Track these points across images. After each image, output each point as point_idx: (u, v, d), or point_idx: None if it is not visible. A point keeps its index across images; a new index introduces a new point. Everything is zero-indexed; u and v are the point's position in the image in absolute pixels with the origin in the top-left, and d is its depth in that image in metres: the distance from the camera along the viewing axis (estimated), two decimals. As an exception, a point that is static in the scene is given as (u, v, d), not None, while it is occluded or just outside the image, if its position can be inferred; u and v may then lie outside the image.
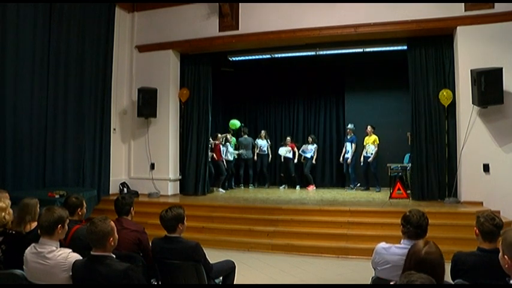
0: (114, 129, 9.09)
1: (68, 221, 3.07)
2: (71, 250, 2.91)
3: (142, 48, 9.41)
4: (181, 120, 9.54)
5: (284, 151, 11.15)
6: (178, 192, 9.39)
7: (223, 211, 7.69)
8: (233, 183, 11.27)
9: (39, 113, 7.35)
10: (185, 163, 9.41)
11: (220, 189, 10.09)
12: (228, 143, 10.67)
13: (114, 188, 8.92)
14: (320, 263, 5.98)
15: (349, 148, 10.57)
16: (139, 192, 8.99)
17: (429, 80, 8.04)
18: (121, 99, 9.30)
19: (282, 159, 11.26)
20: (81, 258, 2.85)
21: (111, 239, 2.77)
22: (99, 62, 8.57)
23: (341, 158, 10.77)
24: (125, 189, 9.01)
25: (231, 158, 10.72)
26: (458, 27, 7.55)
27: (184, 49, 9.35)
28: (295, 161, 11.12)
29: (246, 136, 11.44)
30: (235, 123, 11.02)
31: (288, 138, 11.36)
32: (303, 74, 11.74)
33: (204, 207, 7.93)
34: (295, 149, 11.21)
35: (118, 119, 9.25)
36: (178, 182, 9.43)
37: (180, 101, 9.50)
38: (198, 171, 9.26)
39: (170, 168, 9.18)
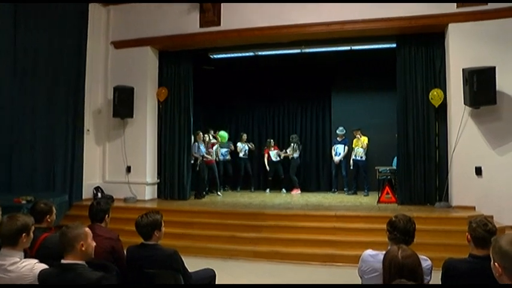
0: (88, 129, 8.95)
1: (33, 228, 2.98)
2: (37, 261, 2.83)
3: (118, 45, 9.29)
4: (159, 121, 9.47)
5: (275, 155, 11.25)
6: (156, 196, 9.32)
7: (203, 216, 7.64)
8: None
9: (4, 112, 7.18)
10: (164, 166, 9.34)
11: (219, 193, 10.35)
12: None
13: (87, 193, 8.78)
14: (305, 270, 5.97)
15: (340, 150, 10.62)
16: (114, 197, 8.86)
17: (419, 80, 8.12)
18: (95, 98, 9.16)
19: (266, 163, 11.30)
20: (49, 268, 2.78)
21: (82, 243, 2.71)
22: (71, 58, 8.43)
23: (336, 159, 10.71)
24: (99, 194, 8.88)
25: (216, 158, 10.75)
26: (449, 25, 7.64)
27: (163, 46, 9.27)
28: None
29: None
30: (225, 135, 11.03)
31: (271, 141, 11.43)
32: (287, 73, 11.72)
33: (183, 213, 7.87)
34: (280, 152, 11.36)
35: (92, 119, 9.11)
36: (156, 186, 9.36)
37: (159, 100, 9.42)
38: (180, 175, 9.21)
39: (147, 171, 9.10)
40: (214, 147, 10.75)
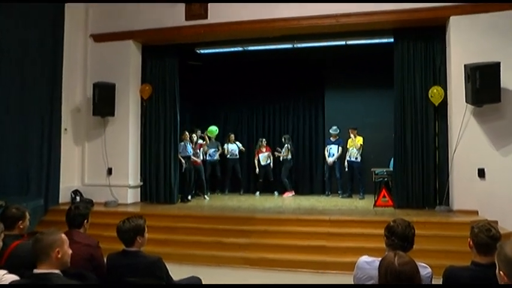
0: (66, 129, 8.86)
1: (3, 236, 2.93)
2: (6, 271, 2.77)
3: (98, 38, 9.21)
4: (143, 119, 9.42)
5: (264, 158, 11.26)
6: (139, 200, 9.28)
7: (189, 221, 7.62)
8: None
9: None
10: (148, 167, 9.31)
11: (206, 197, 10.36)
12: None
13: (64, 197, 8.68)
14: (297, 278, 5.96)
15: (334, 151, 10.63)
16: (94, 201, 8.78)
17: (417, 76, 8.13)
18: (73, 95, 9.08)
19: (257, 165, 11.32)
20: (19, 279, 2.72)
21: (58, 250, 2.67)
22: (47, 52, 8.31)
23: (329, 161, 10.71)
24: (78, 198, 8.82)
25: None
26: (451, 18, 7.64)
27: (146, 39, 9.22)
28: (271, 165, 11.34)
29: (213, 140, 11.45)
30: (214, 130, 10.98)
31: (264, 140, 11.44)
32: (278, 69, 11.70)
33: (168, 217, 7.85)
34: (270, 153, 11.37)
35: (70, 118, 9.03)
36: (139, 188, 9.32)
37: (142, 98, 9.37)
38: (167, 177, 9.18)
39: (130, 173, 9.05)
40: (202, 149, 10.73)
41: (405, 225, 3.01)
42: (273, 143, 11.78)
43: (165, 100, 9.35)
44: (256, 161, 11.38)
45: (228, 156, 11.42)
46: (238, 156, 11.50)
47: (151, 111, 9.40)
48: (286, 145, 11.12)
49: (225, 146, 11.47)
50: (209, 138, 11.15)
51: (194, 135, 10.48)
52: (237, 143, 11.58)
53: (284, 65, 11.53)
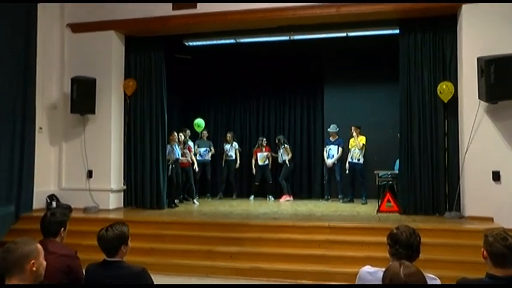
0: (40, 128, 8.80)
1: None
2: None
3: (76, 28, 9.15)
4: (126, 118, 9.40)
5: (263, 158, 11.30)
6: (122, 205, 9.25)
7: (176, 228, 7.59)
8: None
9: None
10: (133, 170, 9.30)
11: (195, 201, 10.36)
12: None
13: (39, 202, 8.60)
14: (294, 290, 5.95)
15: (333, 152, 10.65)
16: (72, 207, 8.68)
17: (425, 71, 8.13)
18: (49, 90, 9.02)
19: (254, 165, 11.38)
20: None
21: (34, 262, 2.63)
22: (18, 43, 8.19)
23: (328, 162, 10.73)
24: (54, 203, 8.75)
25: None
26: (463, 6, 7.62)
27: (130, 30, 9.18)
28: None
29: (205, 138, 11.52)
30: (201, 123, 10.92)
31: (264, 139, 11.50)
32: (273, 62, 11.76)
33: (154, 224, 7.82)
34: (270, 153, 11.42)
35: (45, 116, 8.97)
36: (122, 193, 9.29)
37: (126, 94, 9.34)
38: (153, 180, 9.17)
39: (112, 176, 9.01)
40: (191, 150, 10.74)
41: (409, 233, 3.00)
42: (267, 142, 11.75)
43: (151, 97, 9.32)
44: (253, 161, 11.40)
45: (224, 157, 11.49)
46: (233, 158, 11.51)
47: (136, 108, 9.37)
48: (284, 146, 11.13)
49: (225, 146, 11.54)
50: (200, 136, 11.14)
51: (181, 134, 10.48)
52: (235, 143, 11.59)
53: (280, 58, 11.59)
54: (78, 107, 8.79)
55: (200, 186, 11.53)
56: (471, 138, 7.40)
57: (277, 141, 11.31)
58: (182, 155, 10.13)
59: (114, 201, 9.07)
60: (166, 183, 9.38)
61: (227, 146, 11.52)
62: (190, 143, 10.87)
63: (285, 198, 10.97)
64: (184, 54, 11.10)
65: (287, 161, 11.13)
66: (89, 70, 8.93)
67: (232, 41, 10.06)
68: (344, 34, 9.49)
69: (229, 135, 11.60)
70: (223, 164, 11.55)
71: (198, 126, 11.02)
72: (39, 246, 2.74)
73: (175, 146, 9.82)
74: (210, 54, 11.29)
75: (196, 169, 10.67)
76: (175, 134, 10.00)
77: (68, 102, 8.87)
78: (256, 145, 11.53)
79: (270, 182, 11.33)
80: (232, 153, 11.49)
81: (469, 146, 7.42)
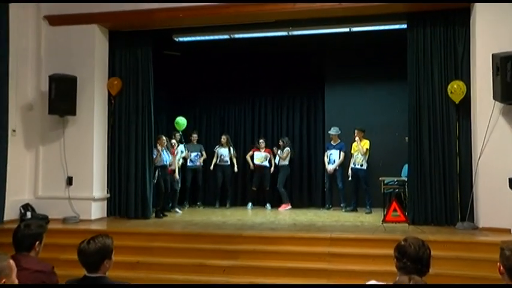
0: (14, 130, 8.71)
1: None
2: None
3: (54, 20, 9.10)
4: (110, 120, 9.38)
5: (260, 158, 11.28)
6: (106, 215, 9.22)
7: (165, 240, 7.58)
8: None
9: None
10: (117, 176, 9.28)
11: (177, 209, 10.37)
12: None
13: (11, 213, 8.47)
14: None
15: (335, 157, 10.67)
16: (49, 217, 8.67)
17: (435, 69, 8.13)
18: (24, 89, 8.94)
19: (252, 168, 11.46)
20: None
21: (5, 281, 2.60)
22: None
23: (329, 168, 10.75)
24: (29, 214, 8.67)
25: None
26: (477, -4, 7.63)
27: (114, 24, 9.18)
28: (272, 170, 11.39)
29: (195, 142, 11.56)
30: (182, 122, 10.88)
31: (262, 140, 11.51)
32: (271, 60, 11.77)
33: (140, 235, 7.80)
34: (272, 156, 11.43)
35: (20, 117, 8.89)
36: (106, 202, 9.26)
37: (110, 94, 9.32)
38: (139, 187, 9.16)
39: (95, 183, 8.98)
40: (178, 156, 10.72)
41: (418, 245, 3.01)
42: (266, 145, 11.75)
43: (137, 96, 9.32)
44: (249, 157, 11.45)
45: (217, 161, 11.50)
46: (228, 163, 11.53)
47: (121, 109, 9.35)
48: (286, 148, 11.15)
49: (216, 148, 11.52)
50: (189, 139, 11.20)
51: (174, 141, 10.52)
52: (231, 147, 11.61)
53: (277, 55, 11.60)
54: (57, 108, 8.75)
55: (191, 193, 11.56)
56: (485, 142, 7.39)
57: (280, 143, 11.29)
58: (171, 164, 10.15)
59: (97, 210, 9.01)
60: (152, 190, 9.36)
61: (221, 150, 11.50)
62: (181, 148, 10.87)
63: (285, 207, 10.98)
64: (173, 51, 11.11)
65: (285, 165, 11.13)
66: (69, 67, 8.88)
67: (226, 36, 10.05)
68: (347, 29, 9.49)
69: (224, 138, 11.59)
70: (212, 168, 11.54)
71: (178, 124, 10.88)
72: (11, 262, 2.72)
73: (163, 150, 9.79)
74: (201, 50, 11.28)
75: (177, 177, 10.60)
76: (164, 138, 9.98)
77: (46, 102, 8.82)
78: (254, 145, 11.59)
79: (267, 189, 11.34)
80: (228, 158, 11.49)
81: (483, 151, 7.41)
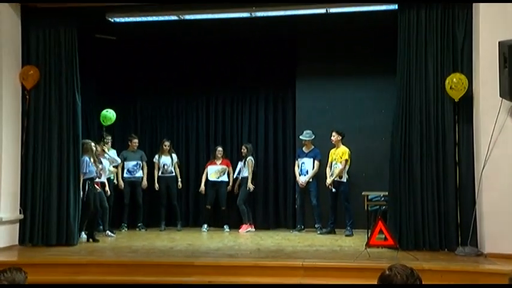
0: None
1: None
2: None
3: None
4: (25, 120, 9.21)
5: (216, 172, 11.30)
6: (17, 242, 9.02)
7: (95, 272, 7.47)
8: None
9: None
10: (32, 193, 9.09)
11: (109, 233, 10.35)
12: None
13: None
14: None
15: (307, 167, 10.72)
16: None
17: (430, 59, 8.23)
18: None
19: (203, 184, 11.47)
20: None
21: None
22: None
23: (301, 181, 10.79)
24: None
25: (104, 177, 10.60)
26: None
27: (28, -2, 9.05)
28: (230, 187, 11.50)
29: (135, 148, 11.51)
30: (110, 115, 10.72)
31: (220, 149, 11.57)
32: (230, 48, 11.85)
33: (63, 267, 7.67)
34: (230, 169, 11.50)
35: None
36: (18, 224, 9.06)
37: (24, 87, 9.14)
38: (62, 206, 9.03)
39: (3, 201, 8.77)
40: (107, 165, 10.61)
41: (406, 275, 2.94)
42: (225, 154, 11.80)
43: (60, 91, 9.22)
44: (203, 176, 11.48)
45: (160, 173, 11.49)
46: (173, 173, 11.55)
47: (39, 107, 9.21)
48: (248, 158, 11.19)
49: (156, 158, 11.53)
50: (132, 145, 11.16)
51: (104, 145, 10.47)
52: (173, 155, 11.63)
53: (238, 42, 11.73)
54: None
55: (130, 213, 11.44)
56: (490, 149, 7.49)
57: (243, 150, 11.34)
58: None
59: (6, 236, 8.84)
60: (78, 210, 9.25)
61: (164, 159, 11.50)
62: (112, 154, 10.80)
63: (245, 229, 11.01)
64: (107, 34, 11.08)
65: (247, 180, 11.15)
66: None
67: (174, 17, 10.01)
68: (323, 10, 9.48)
69: (166, 144, 11.58)
70: (156, 183, 11.54)
71: (105, 119, 10.75)
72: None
73: (90, 159, 9.68)
74: (143, 34, 11.30)
75: (108, 192, 10.57)
76: (92, 143, 9.92)
77: None
78: (211, 157, 11.59)
79: (223, 208, 11.37)
80: (172, 168, 11.53)
81: (488, 159, 7.51)
